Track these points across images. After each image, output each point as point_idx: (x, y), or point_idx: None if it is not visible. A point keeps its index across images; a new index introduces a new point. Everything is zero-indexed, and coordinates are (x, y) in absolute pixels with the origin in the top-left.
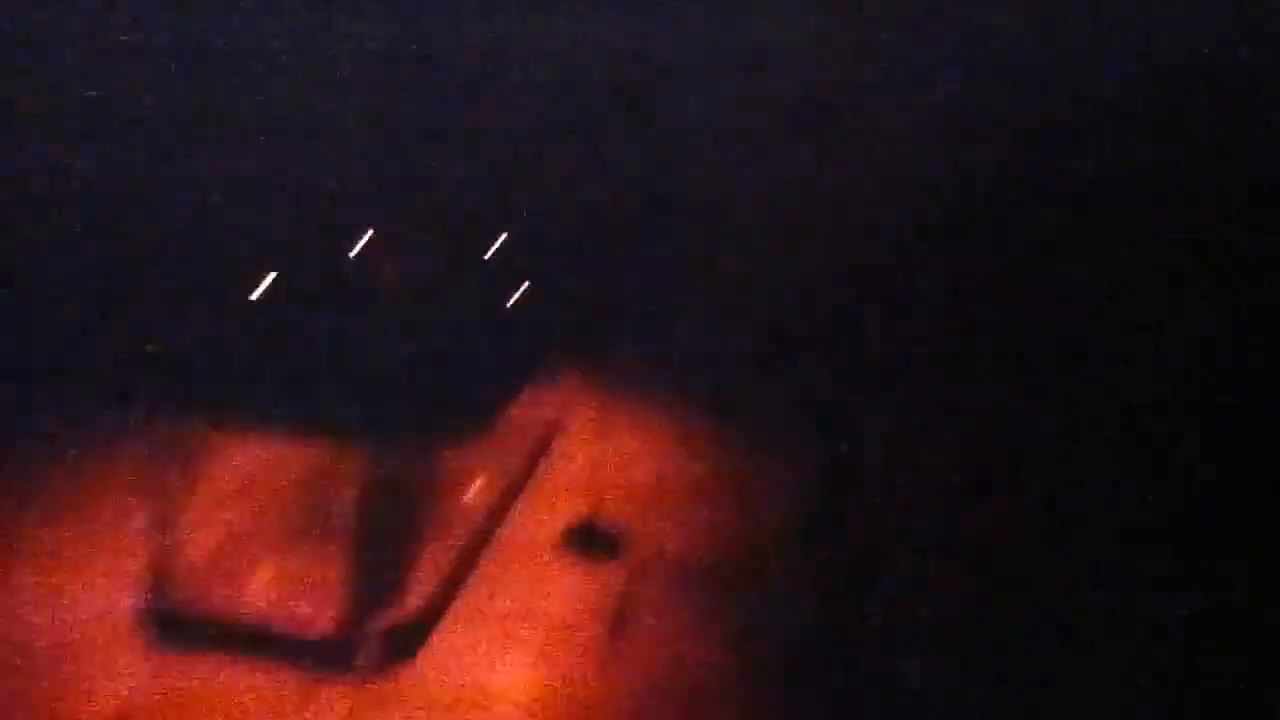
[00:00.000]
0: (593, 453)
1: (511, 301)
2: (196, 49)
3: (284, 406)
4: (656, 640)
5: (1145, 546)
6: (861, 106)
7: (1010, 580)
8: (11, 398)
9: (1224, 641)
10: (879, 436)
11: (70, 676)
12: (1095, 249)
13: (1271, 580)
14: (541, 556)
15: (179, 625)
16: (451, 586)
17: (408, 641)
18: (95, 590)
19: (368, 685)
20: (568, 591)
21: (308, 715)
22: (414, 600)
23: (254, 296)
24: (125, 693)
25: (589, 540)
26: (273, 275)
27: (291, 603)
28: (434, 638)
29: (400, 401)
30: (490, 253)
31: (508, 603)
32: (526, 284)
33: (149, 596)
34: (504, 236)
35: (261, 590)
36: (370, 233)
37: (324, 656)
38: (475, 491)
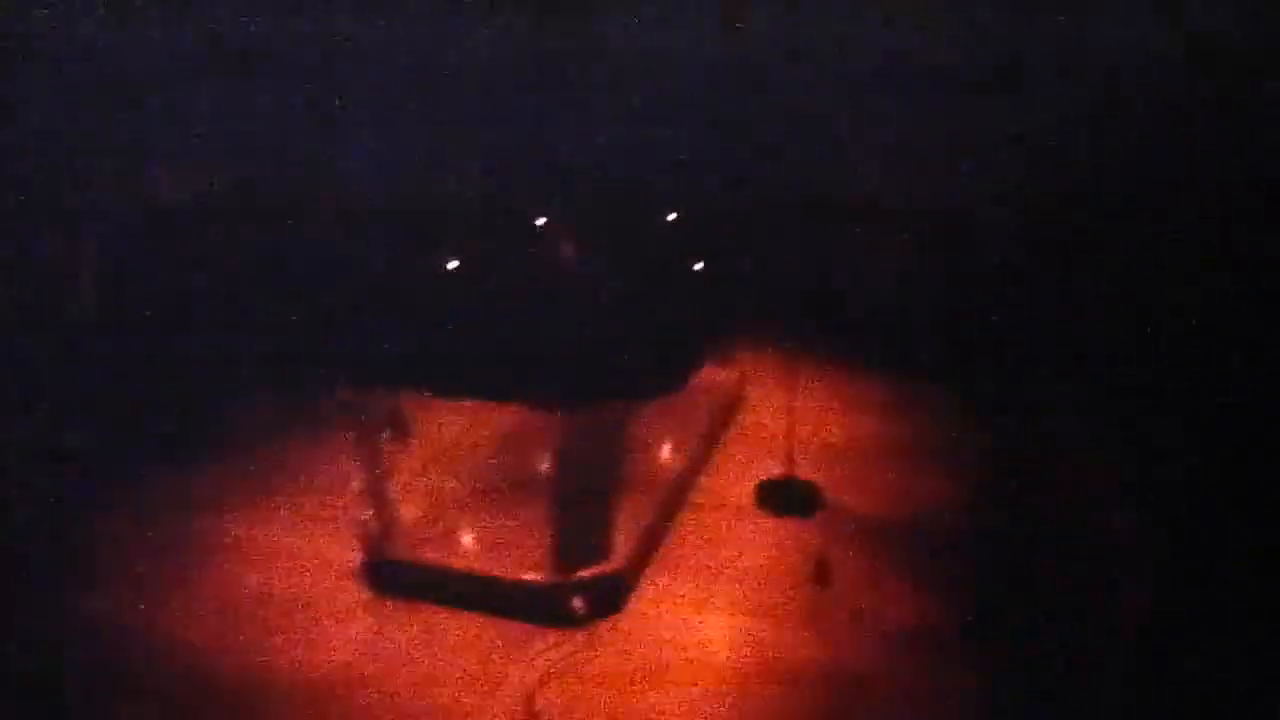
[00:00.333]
0: (783, 413)
1: (697, 267)
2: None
3: (485, 372)
4: (854, 593)
5: None
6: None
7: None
8: (254, 378)
9: None
10: (1071, 399)
11: (303, 625)
12: None
13: None
14: (737, 512)
15: (398, 579)
16: (651, 540)
17: (612, 592)
18: (324, 548)
19: (574, 634)
20: (765, 546)
21: (518, 663)
22: (617, 553)
23: (450, 267)
24: (352, 641)
25: (783, 497)
26: (465, 248)
27: (501, 557)
28: (637, 589)
29: (595, 364)
30: (673, 224)
31: (706, 556)
32: (710, 252)
33: (370, 552)
34: (676, 213)
35: (472, 545)
36: (549, 211)
37: (533, 607)
38: (670, 450)
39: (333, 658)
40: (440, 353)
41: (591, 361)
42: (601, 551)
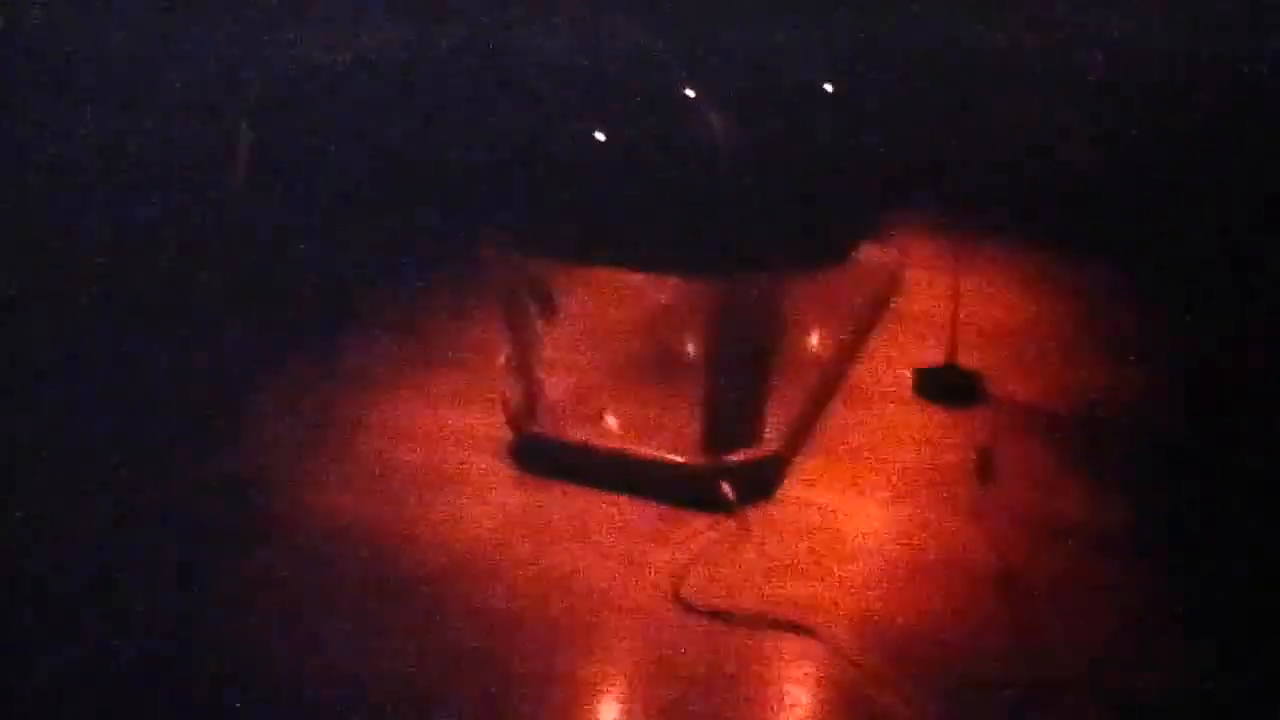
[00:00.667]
0: (945, 295)
1: (854, 140)
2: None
3: (634, 244)
4: (1021, 486)
5: None
6: None
7: None
8: (398, 249)
9: None
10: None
11: (446, 499)
12: None
13: None
14: (895, 398)
15: (543, 456)
16: (805, 425)
17: (763, 477)
18: (469, 423)
19: (724, 519)
20: (923, 434)
21: (665, 546)
22: (769, 438)
23: (599, 136)
24: (495, 517)
25: (943, 385)
26: (614, 118)
27: (649, 437)
28: (788, 475)
29: (748, 239)
30: (830, 93)
31: (862, 443)
32: (868, 123)
33: (516, 429)
34: (831, 86)
35: (620, 424)
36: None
37: (681, 490)
38: (825, 332)
39: (475, 531)
40: (589, 222)
41: (746, 230)
42: (753, 435)
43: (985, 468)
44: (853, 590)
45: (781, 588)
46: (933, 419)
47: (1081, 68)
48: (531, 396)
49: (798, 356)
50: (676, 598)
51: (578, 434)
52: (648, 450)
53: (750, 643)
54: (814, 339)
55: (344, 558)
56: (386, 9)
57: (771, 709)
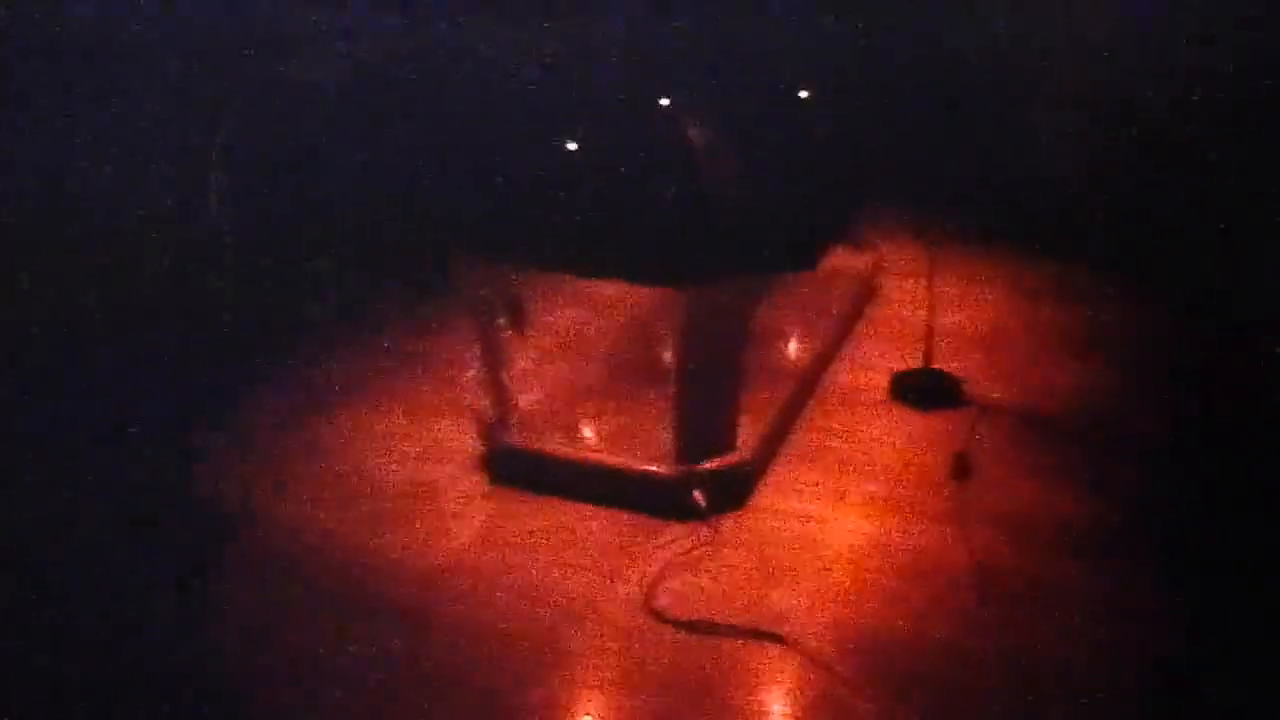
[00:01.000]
0: (921, 299)
1: (828, 146)
2: None
3: (607, 253)
4: (999, 489)
5: None
6: None
7: None
8: (373, 264)
9: None
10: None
11: (420, 512)
12: None
13: None
14: (872, 403)
15: (515, 467)
16: (779, 432)
17: (737, 486)
18: (443, 436)
19: (700, 527)
20: (901, 438)
21: (638, 556)
22: (743, 445)
23: (570, 146)
24: (469, 529)
25: (921, 389)
26: (588, 128)
27: (622, 446)
28: (763, 482)
29: (722, 247)
30: (805, 100)
31: (839, 449)
32: (843, 130)
33: (489, 441)
34: (808, 91)
35: (593, 435)
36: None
37: (656, 499)
38: (800, 338)
39: (449, 544)
40: (561, 232)
41: (716, 237)
42: (727, 443)
43: (962, 471)
44: (828, 598)
45: (757, 595)
46: (909, 423)
47: (1054, 71)
48: (503, 408)
49: (772, 363)
50: (649, 608)
51: (550, 445)
52: (620, 460)
53: (724, 652)
54: (789, 345)
55: (315, 571)
56: (357, 24)
57: (745, 718)
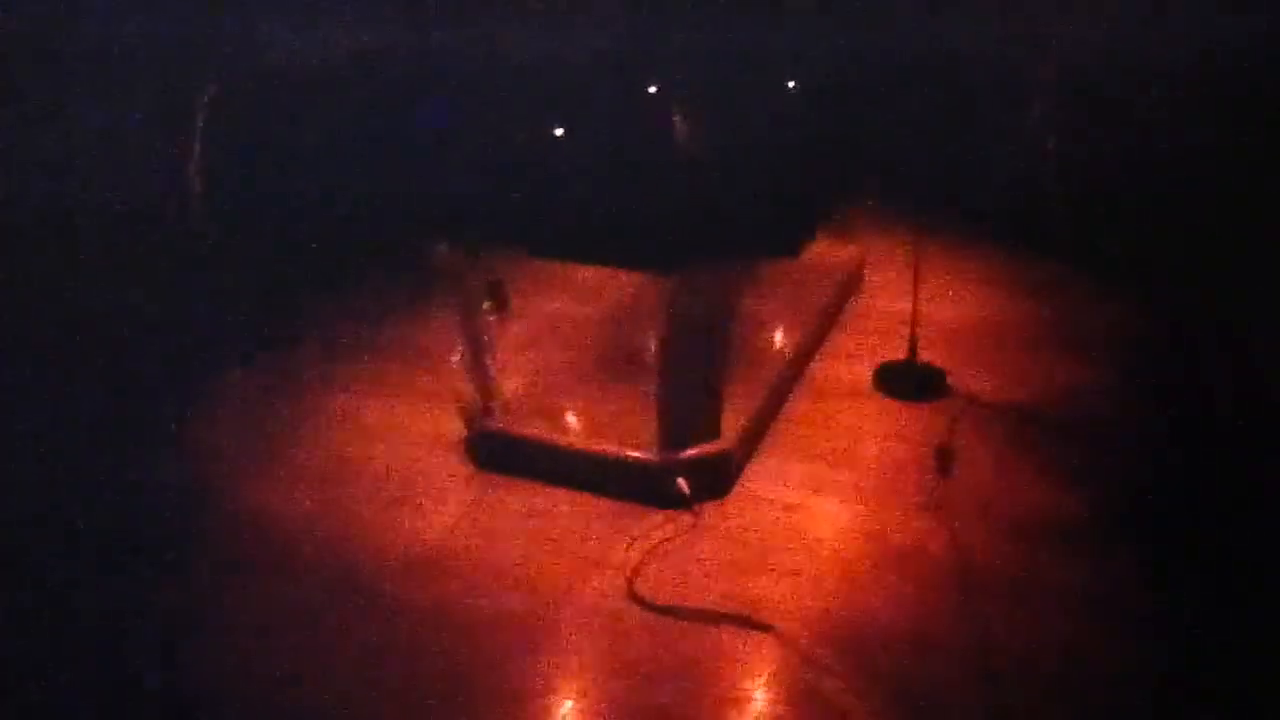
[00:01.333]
0: (906, 292)
1: (814, 138)
2: None
3: (591, 241)
4: (981, 481)
5: None
6: None
7: None
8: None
9: None
10: (1229, 287)
11: (402, 498)
12: None
13: None
14: (855, 395)
15: (498, 453)
16: (762, 422)
17: (720, 474)
18: (425, 422)
19: (681, 515)
20: (884, 430)
21: (620, 543)
22: (726, 433)
23: (557, 132)
24: (451, 515)
25: (904, 381)
26: (574, 114)
27: (605, 433)
28: (746, 471)
29: (706, 234)
30: (790, 94)
31: (822, 440)
32: (829, 124)
33: (472, 427)
34: (795, 83)
35: (576, 421)
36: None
37: (639, 486)
38: (785, 329)
39: (431, 530)
40: (546, 218)
41: (700, 223)
42: (710, 431)
43: (945, 463)
44: (809, 586)
45: (737, 584)
46: (893, 414)
47: (1044, 69)
48: (487, 393)
49: (757, 352)
50: (632, 594)
51: (533, 431)
52: (603, 446)
53: (704, 639)
54: (774, 335)
55: (299, 556)
56: (349, 13)
57: (725, 704)
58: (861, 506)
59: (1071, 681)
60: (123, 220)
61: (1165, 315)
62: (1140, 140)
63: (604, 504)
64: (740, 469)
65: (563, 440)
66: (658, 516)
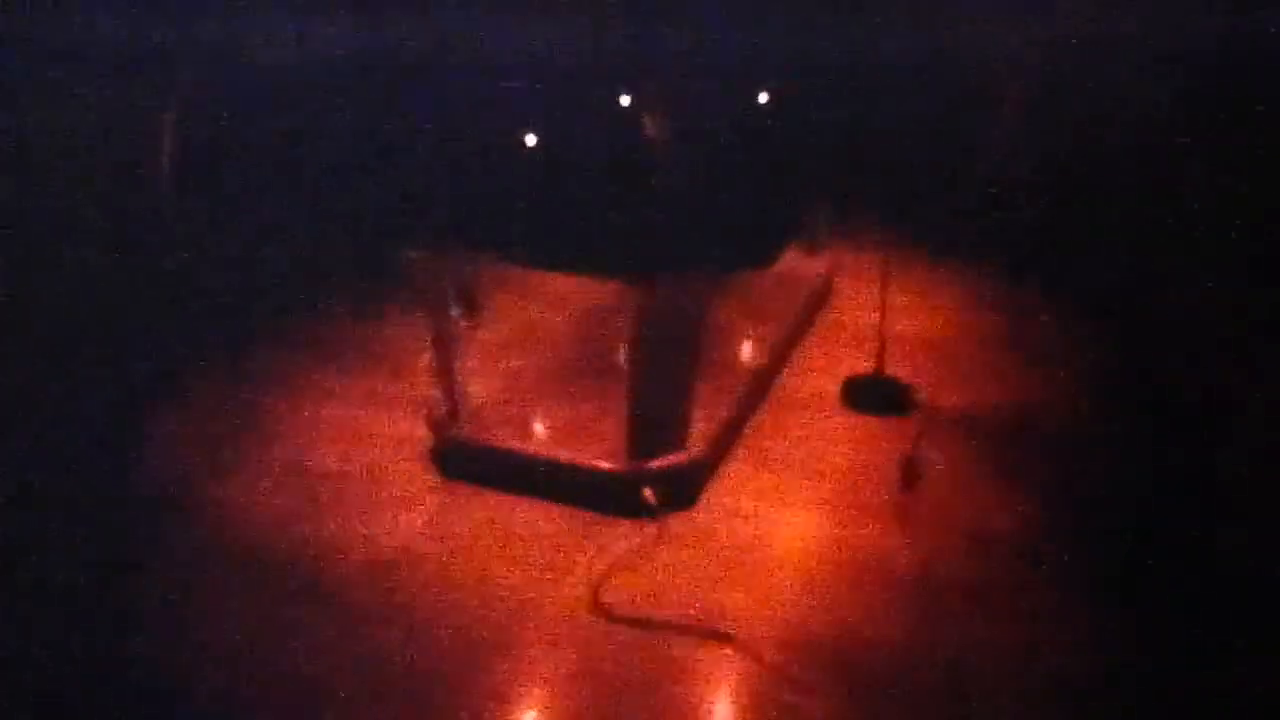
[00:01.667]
0: (875, 306)
1: (784, 153)
2: None
3: (562, 252)
4: (946, 493)
5: None
6: None
7: None
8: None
9: None
10: (1192, 304)
11: (367, 504)
12: None
13: None
14: (823, 407)
15: (463, 460)
16: (731, 433)
17: (687, 484)
18: (391, 427)
19: (647, 526)
20: (851, 443)
21: (586, 553)
22: (694, 444)
23: (530, 142)
24: (416, 523)
25: (872, 394)
26: (547, 123)
27: (572, 442)
28: (714, 482)
29: (676, 243)
30: (760, 107)
31: (789, 452)
32: (798, 136)
33: (438, 434)
34: (766, 95)
35: (544, 429)
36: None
37: (603, 496)
38: (754, 340)
39: (395, 536)
40: (516, 225)
41: (671, 232)
42: (677, 441)
43: (911, 476)
44: (775, 598)
45: (703, 594)
46: (860, 428)
47: (1016, 82)
48: (453, 400)
49: (725, 363)
50: (596, 604)
51: (499, 439)
52: (569, 455)
53: (670, 650)
54: (742, 346)
55: (262, 563)
56: (324, 12)
57: (690, 717)
58: (827, 518)
59: (1036, 692)
60: (88, 221)
61: (1131, 330)
62: (1112, 153)
63: (570, 514)
64: (707, 480)
65: (529, 449)
66: (624, 526)
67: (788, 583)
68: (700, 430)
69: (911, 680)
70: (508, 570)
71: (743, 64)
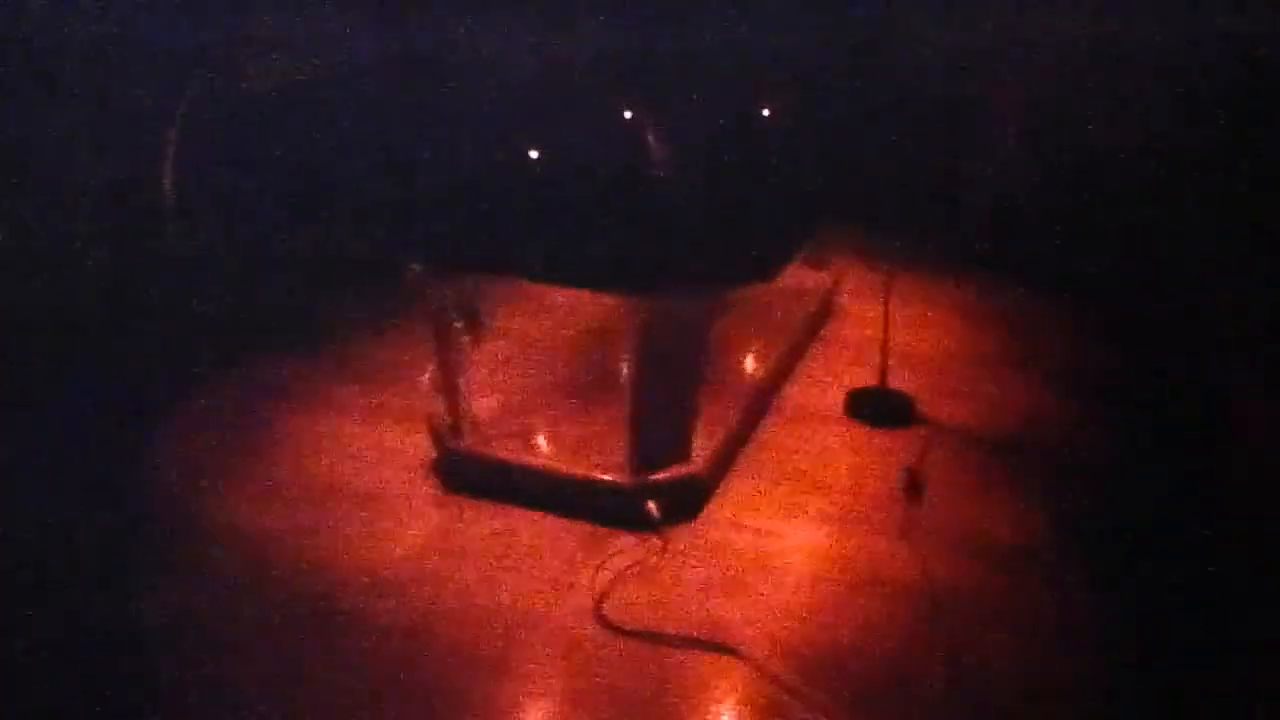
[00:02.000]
0: (878, 320)
1: (786, 167)
2: None
3: (566, 266)
4: (949, 506)
5: None
6: None
7: None
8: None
9: None
10: (1202, 321)
11: (370, 518)
12: None
13: None
14: (826, 419)
15: (466, 473)
16: (735, 446)
17: (691, 497)
18: (396, 441)
19: (651, 539)
20: (854, 456)
21: (590, 566)
22: (697, 457)
23: (532, 154)
24: (419, 536)
25: (875, 407)
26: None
27: (576, 455)
28: (717, 495)
29: (679, 258)
30: (767, 119)
31: (792, 464)
32: (805, 149)
33: (441, 447)
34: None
35: (547, 443)
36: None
37: (609, 508)
38: (757, 354)
39: (399, 551)
40: (520, 240)
41: (674, 248)
42: (681, 454)
43: (913, 488)
44: (778, 610)
45: (707, 607)
46: (863, 440)
47: (1016, 99)
48: (456, 413)
49: (729, 377)
50: (599, 617)
51: (503, 452)
52: (572, 469)
53: (673, 662)
54: (746, 360)
55: (262, 576)
56: (318, 34)
57: None
58: (830, 530)
59: (1038, 703)
60: (92, 230)
61: (1131, 343)
62: (1109, 167)
63: (574, 526)
64: (710, 493)
65: (532, 461)
66: (628, 539)
67: (791, 595)
68: (704, 443)
69: (915, 691)
70: (512, 583)
71: (743, 76)
